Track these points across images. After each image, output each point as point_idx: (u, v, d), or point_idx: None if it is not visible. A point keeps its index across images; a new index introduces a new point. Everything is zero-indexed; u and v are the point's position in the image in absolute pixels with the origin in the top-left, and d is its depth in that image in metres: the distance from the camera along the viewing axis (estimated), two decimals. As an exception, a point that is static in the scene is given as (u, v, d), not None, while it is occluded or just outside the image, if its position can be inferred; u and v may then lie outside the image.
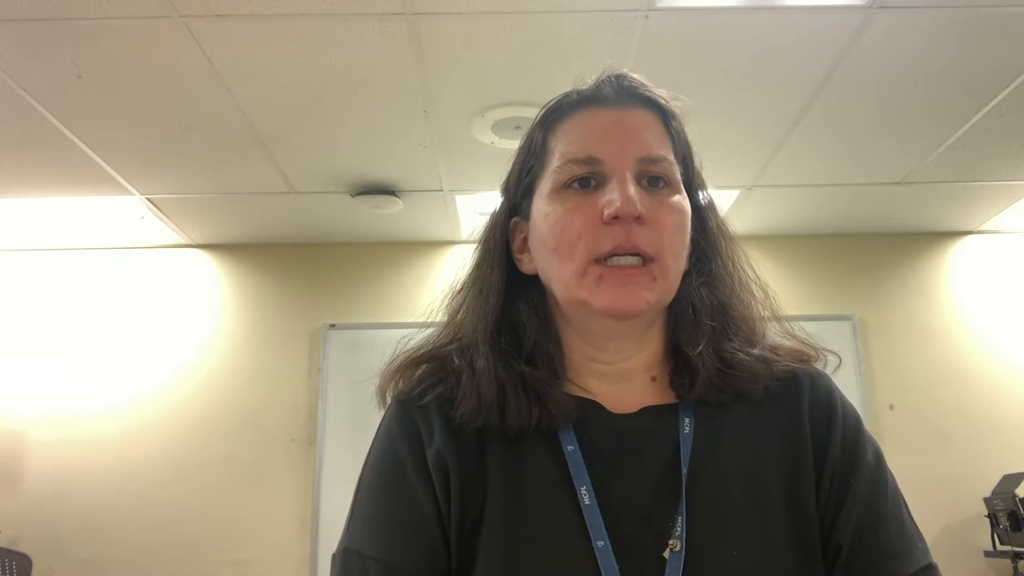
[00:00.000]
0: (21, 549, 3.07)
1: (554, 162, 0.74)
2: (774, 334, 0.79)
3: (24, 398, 3.45)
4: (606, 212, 0.69)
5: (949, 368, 3.50)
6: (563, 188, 0.72)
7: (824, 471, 0.71)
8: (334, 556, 0.71)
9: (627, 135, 0.72)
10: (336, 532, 0.73)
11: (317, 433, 3.38)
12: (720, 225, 0.80)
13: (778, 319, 0.79)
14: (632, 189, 0.69)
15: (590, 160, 0.71)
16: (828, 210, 3.43)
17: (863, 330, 3.53)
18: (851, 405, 0.77)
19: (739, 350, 0.74)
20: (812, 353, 0.78)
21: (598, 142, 0.72)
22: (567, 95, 0.78)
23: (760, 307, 0.78)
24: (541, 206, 0.74)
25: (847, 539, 0.68)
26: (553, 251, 0.72)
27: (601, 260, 0.70)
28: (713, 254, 0.79)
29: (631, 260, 0.70)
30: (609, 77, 0.76)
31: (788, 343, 0.78)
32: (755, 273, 0.80)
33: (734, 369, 0.72)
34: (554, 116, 0.77)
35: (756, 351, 0.75)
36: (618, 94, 0.75)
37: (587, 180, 0.71)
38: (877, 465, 0.72)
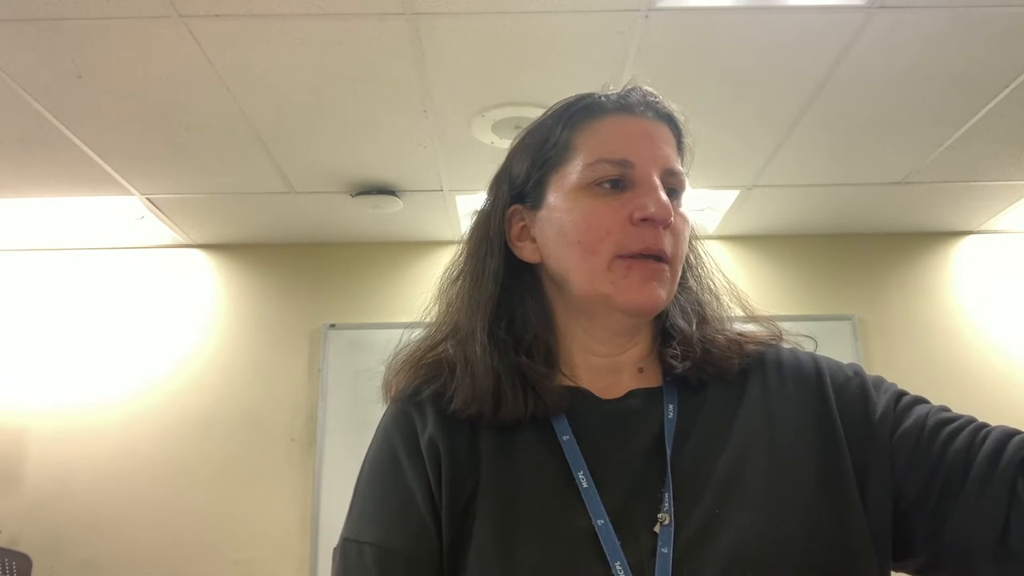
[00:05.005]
0: (21, 549, 3.07)
1: (581, 158, 0.77)
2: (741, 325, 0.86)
3: (24, 399, 3.45)
4: (637, 214, 0.73)
5: (950, 368, 3.50)
6: (592, 185, 0.76)
7: (837, 427, 0.73)
8: (335, 549, 0.74)
9: (654, 145, 0.77)
10: (336, 532, 0.75)
11: (317, 433, 3.38)
12: (695, 234, 0.86)
13: (753, 319, 0.85)
14: (665, 196, 0.74)
15: (623, 162, 0.75)
16: (828, 210, 3.43)
17: (863, 330, 3.53)
18: (807, 354, 0.81)
19: (717, 332, 0.80)
20: (775, 331, 0.83)
21: (630, 147, 0.76)
22: (591, 97, 0.81)
23: (728, 305, 0.85)
24: (561, 199, 0.77)
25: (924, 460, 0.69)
26: (577, 244, 0.75)
27: (626, 257, 0.74)
28: (692, 260, 0.85)
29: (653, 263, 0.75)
30: (636, 88, 0.81)
31: (753, 328, 0.84)
32: (724, 278, 0.86)
33: (713, 347, 0.78)
34: (580, 115, 0.79)
35: (729, 333, 0.82)
36: (644, 107, 0.79)
37: (617, 181, 0.75)
38: (868, 384, 0.76)
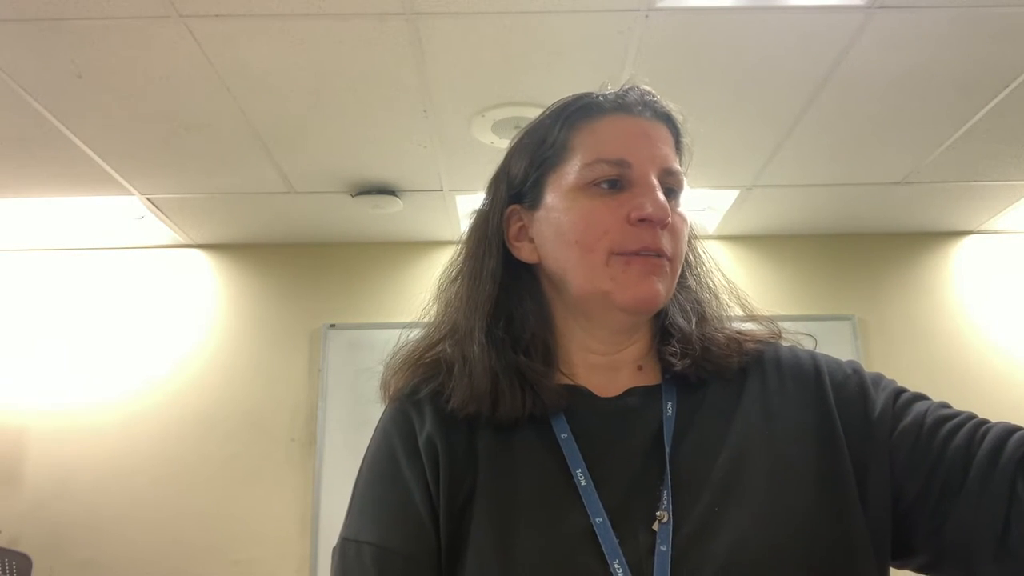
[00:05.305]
0: (21, 549, 3.07)
1: (579, 158, 0.76)
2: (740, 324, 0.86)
3: (25, 399, 3.45)
4: (634, 214, 0.73)
5: (950, 368, 3.50)
6: (590, 185, 0.75)
7: (836, 425, 0.73)
8: (334, 549, 0.74)
9: (652, 145, 0.77)
10: (336, 532, 0.75)
11: (317, 433, 3.38)
12: (694, 233, 0.86)
13: (752, 317, 0.85)
14: (662, 196, 0.74)
15: (621, 163, 0.75)
16: (828, 210, 3.43)
17: (863, 330, 3.53)
18: (806, 352, 0.81)
19: (717, 331, 0.80)
20: (774, 329, 0.83)
21: (628, 147, 0.76)
22: (589, 96, 0.80)
23: (727, 304, 0.85)
24: (559, 199, 0.77)
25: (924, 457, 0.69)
26: (575, 243, 0.75)
27: (624, 254, 0.74)
28: (691, 259, 0.85)
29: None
30: (634, 87, 0.80)
31: (752, 326, 0.84)
32: (723, 277, 0.86)
33: (712, 345, 0.78)
34: (578, 115, 0.79)
35: (728, 332, 0.81)
36: (643, 106, 0.79)
37: (615, 182, 0.75)
38: (867, 382, 0.76)
